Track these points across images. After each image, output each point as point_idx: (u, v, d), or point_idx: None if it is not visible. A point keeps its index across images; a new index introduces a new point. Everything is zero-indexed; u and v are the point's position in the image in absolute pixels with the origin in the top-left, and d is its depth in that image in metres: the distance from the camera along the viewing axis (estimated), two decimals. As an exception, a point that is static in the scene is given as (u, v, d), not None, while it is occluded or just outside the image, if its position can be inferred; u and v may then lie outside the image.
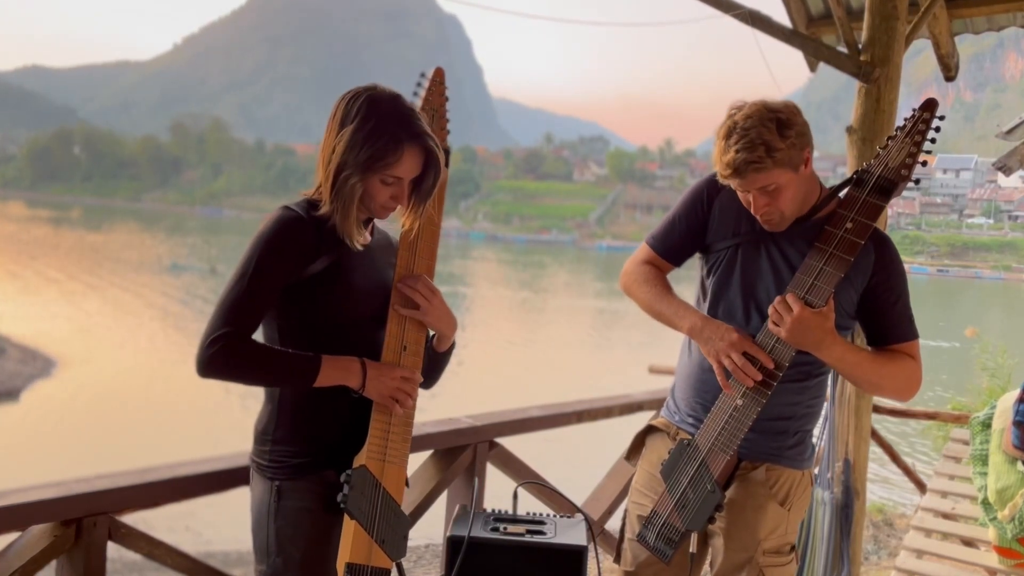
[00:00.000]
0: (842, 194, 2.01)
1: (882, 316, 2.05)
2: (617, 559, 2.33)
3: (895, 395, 2.14)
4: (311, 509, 1.83)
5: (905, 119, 1.95)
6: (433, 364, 2.02)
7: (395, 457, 1.86)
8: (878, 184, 1.93)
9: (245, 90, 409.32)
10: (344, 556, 1.78)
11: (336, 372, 1.80)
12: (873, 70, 3.09)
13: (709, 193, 2.15)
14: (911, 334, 2.07)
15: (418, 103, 1.92)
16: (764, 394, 1.97)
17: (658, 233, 2.24)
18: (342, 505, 1.75)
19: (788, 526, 2.14)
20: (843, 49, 3.20)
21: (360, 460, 1.82)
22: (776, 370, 1.96)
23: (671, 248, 2.21)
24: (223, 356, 1.70)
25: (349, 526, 1.79)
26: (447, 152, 1.95)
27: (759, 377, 1.95)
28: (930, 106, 1.92)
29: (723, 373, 2.01)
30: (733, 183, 1.97)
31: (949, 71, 3.73)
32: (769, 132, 1.88)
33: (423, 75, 1.97)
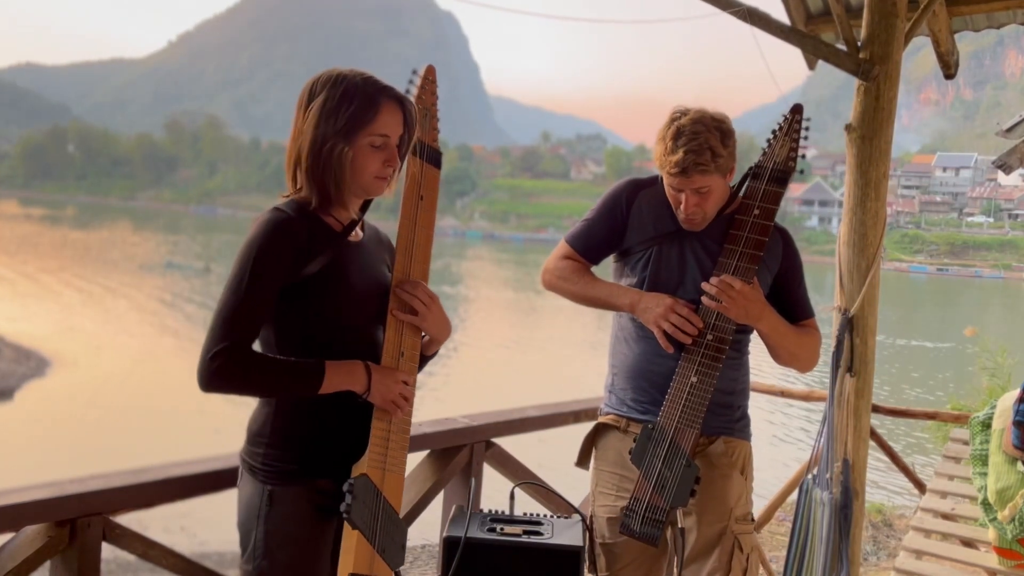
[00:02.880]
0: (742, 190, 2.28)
1: (791, 295, 2.34)
2: (592, 568, 2.37)
3: (806, 364, 2.39)
4: (302, 516, 1.80)
5: (779, 123, 2.27)
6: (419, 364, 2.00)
7: (394, 465, 1.84)
8: (773, 175, 2.23)
9: (240, 88, 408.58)
10: (347, 567, 1.75)
11: (341, 378, 1.77)
12: (872, 68, 3.08)
13: (627, 198, 2.34)
14: (812, 311, 2.40)
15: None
16: (715, 367, 2.17)
17: (577, 233, 2.40)
18: (345, 515, 1.72)
19: (748, 495, 2.34)
20: (842, 47, 3.18)
21: (360, 469, 1.79)
22: (720, 344, 2.18)
23: (590, 247, 2.39)
24: (226, 371, 1.67)
25: (351, 536, 1.76)
26: (439, 152, 1.94)
27: (695, 332, 2.17)
28: (798, 109, 2.26)
29: (663, 336, 2.20)
30: (674, 181, 2.17)
31: (949, 69, 3.72)
32: (715, 139, 2.12)
33: (415, 72, 1.95)
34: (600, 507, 2.39)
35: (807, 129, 2.27)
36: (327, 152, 1.76)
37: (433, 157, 1.93)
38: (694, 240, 2.27)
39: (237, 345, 1.68)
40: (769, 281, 2.30)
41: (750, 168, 2.27)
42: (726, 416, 2.31)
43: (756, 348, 2.41)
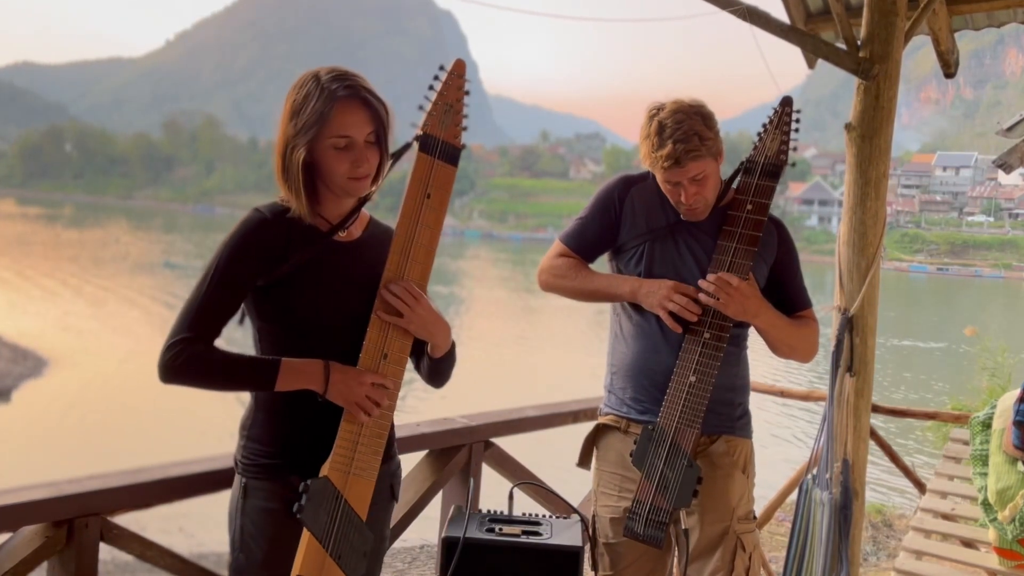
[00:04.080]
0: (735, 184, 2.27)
1: (788, 286, 2.34)
2: (594, 567, 2.37)
3: (805, 355, 2.38)
4: (274, 511, 1.79)
5: (769, 116, 2.25)
6: (433, 370, 1.94)
7: (362, 469, 1.78)
8: (765, 169, 2.22)
9: (238, 87, 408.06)
10: (296, 568, 1.72)
11: (296, 376, 1.74)
12: (872, 67, 3.07)
13: (619, 194, 2.33)
14: (809, 301, 2.39)
15: (433, 96, 1.83)
16: (713, 366, 2.16)
17: (571, 232, 2.39)
18: (297, 515, 1.70)
19: (749, 493, 2.33)
20: (842, 45, 3.17)
21: (324, 470, 1.75)
22: (718, 341, 2.16)
23: (585, 246, 2.38)
24: (179, 362, 1.69)
25: (304, 537, 1.73)
26: (458, 150, 1.85)
27: (699, 311, 2.16)
28: (788, 102, 2.24)
29: (670, 318, 2.19)
30: (670, 174, 2.16)
31: (949, 68, 3.71)
32: (698, 124, 2.12)
33: (442, 68, 1.86)
34: (602, 507, 2.38)
35: (798, 122, 2.24)
36: (289, 154, 1.75)
37: (449, 155, 1.84)
38: (687, 234, 2.27)
39: (195, 338, 1.70)
40: (765, 273, 2.30)
41: (742, 162, 2.26)
42: (726, 414, 2.30)
43: (754, 345, 2.40)
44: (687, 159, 2.11)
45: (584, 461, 2.46)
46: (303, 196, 1.77)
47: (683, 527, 2.20)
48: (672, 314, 2.18)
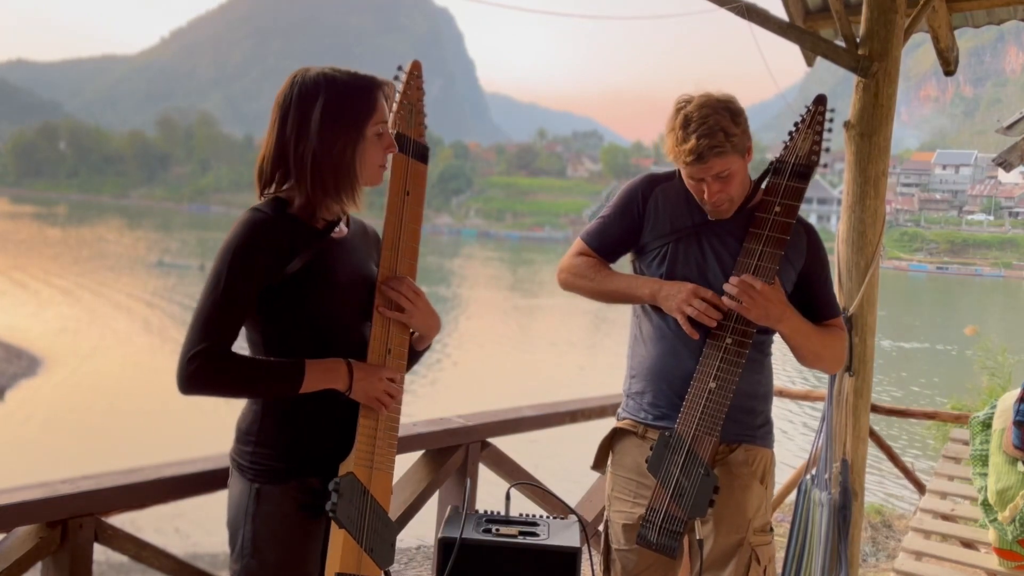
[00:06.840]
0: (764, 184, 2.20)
1: (816, 293, 2.25)
2: (605, 572, 2.33)
3: (832, 364, 2.32)
4: (290, 515, 1.79)
5: (802, 115, 2.18)
6: (410, 361, 1.98)
7: (382, 463, 1.82)
8: (795, 170, 2.14)
9: (233, 84, 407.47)
10: (334, 566, 1.74)
11: (322, 376, 1.75)
12: (871, 64, 3.06)
13: (643, 193, 2.27)
14: (838, 310, 2.31)
15: (397, 97, 1.89)
16: (735, 372, 2.09)
17: (593, 231, 2.34)
18: (331, 514, 1.70)
19: (767, 504, 2.27)
20: (841, 43, 3.17)
21: (347, 467, 1.77)
22: (740, 347, 2.09)
23: (606, 245, 2.32)
24: (204, 373, 1.67)
25: (338, 535, 1.74)
26: (426, 148, 1.94)
27: (719, 316, 2.09)
28: (821, 100, 2.16)
29: (688, 323, 2.12)
30: (692, 169, 2.10)
31: (948, 65, 3.71)
32: (724, 119, 2.05)
33: (400, 68, 1.93)
34: (616, 512, 2.31)
35: (831, 121, 2.16)
36: (339, 153, 1.75)
37: (420, 153, 1.93)
38: (712, 236, 2.19)
39: (215, 347, 1.68)
40: (793, 278, 2.21)
41: (771, 163, 2.18)
42: (747, 422, 2.21)
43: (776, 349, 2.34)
44: (710, 155, 2.04)
45: (599, 465, 2.40)
46: (355, 187, 1.79)
47: (697, 536, 2.12)
48: (692, 319, 2.12)
